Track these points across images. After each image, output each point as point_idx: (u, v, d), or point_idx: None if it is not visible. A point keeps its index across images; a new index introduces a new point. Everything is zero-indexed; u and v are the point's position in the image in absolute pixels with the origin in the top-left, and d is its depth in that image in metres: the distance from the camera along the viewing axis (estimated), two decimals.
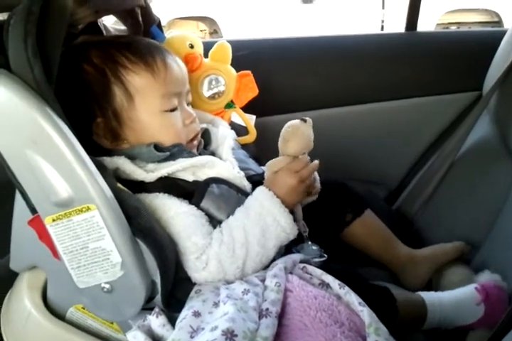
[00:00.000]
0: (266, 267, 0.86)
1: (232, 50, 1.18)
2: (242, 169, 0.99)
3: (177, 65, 0.96)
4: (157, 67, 0.91)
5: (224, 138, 1.04)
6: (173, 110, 0.93)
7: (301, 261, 0.88)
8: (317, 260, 0.93)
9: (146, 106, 0.91)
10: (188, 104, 0.99)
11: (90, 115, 0.90)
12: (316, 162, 0.94)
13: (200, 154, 0.99)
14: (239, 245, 0.84)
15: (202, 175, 0.91)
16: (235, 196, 0.92)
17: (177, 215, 0.84)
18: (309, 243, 0.96)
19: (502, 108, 1.23)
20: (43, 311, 0.87)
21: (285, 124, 0.92)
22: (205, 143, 1.04)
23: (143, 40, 0.98)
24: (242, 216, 0.87)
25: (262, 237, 0.85)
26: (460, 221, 1.23)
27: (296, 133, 0.90)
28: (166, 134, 0.93)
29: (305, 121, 0.90)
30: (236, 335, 0.67)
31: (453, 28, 5.12)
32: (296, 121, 0.91)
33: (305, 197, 0.96)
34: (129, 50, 0.91)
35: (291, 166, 0.90)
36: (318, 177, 1.02)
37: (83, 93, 0.89)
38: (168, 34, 1.16)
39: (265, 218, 0.86)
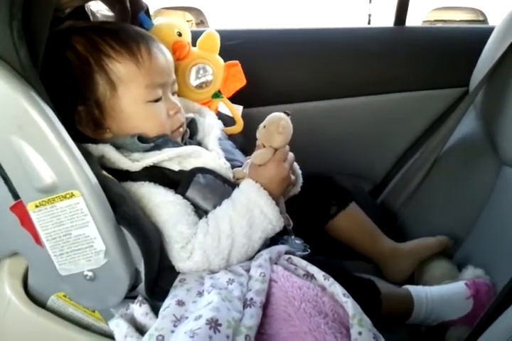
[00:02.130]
0: (251, 258, 0.86)
1: (221, 39, 1.17)
2: (228, 160, 0.98)
3: (163, 55, 0.94)
4: (141, 57, 0.90)
5: (211, 127, 1.04)
6: (157, 100, 0.92)
7: (287, 252, 0.88)
8: (300, 253, 0.93)
9: (129, 96, 0.90)
10: (173, 94, 0.98)
11: (72, 103, 0.89)
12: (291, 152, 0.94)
13: (186, 144, 0.98)
14: (224, 236, 0.83)
15: (188, 165, 0.90)
16: (221, 186, 0.91)
17: (163, 204, 0.84)
18: (293, 237, 0.96)
19: (488, 104, 1.24)
20: (24, 299, 0.86)
21: (269, 116, 0.90)
22: (191, 133, 1.04)
23: (129, 27, 0.96)
24: (229, 207, 0.86)
25: (248, 229, 0.85)
26: (444, 215, 1.24)
27: (289, 126, 0.89)
28: (150, 125, 0.92)
29: (288, 114, 0.90)
30: (220, 324, 0.67)
31: (439, 25, 5.15)
32: (284, 115, 0.90)
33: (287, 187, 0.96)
34: (114, 38, 0.90)
35: (279, 157, 0.90)
36: (299, 172, 1.01)
37: (65, 81, 0.87)
38: (156, 21, 1.14)
39: (252, 210, 0.85)
